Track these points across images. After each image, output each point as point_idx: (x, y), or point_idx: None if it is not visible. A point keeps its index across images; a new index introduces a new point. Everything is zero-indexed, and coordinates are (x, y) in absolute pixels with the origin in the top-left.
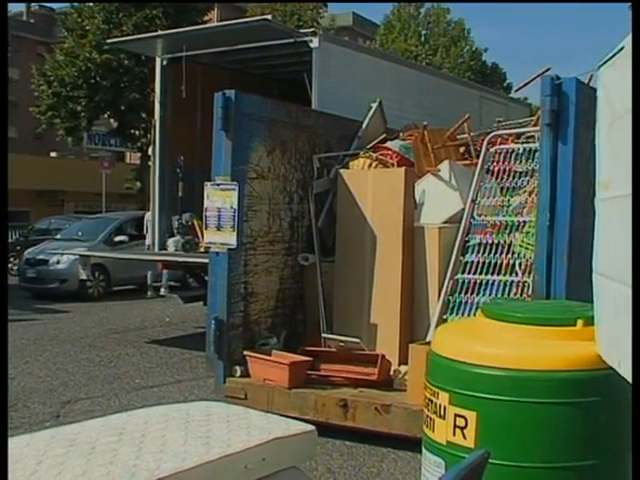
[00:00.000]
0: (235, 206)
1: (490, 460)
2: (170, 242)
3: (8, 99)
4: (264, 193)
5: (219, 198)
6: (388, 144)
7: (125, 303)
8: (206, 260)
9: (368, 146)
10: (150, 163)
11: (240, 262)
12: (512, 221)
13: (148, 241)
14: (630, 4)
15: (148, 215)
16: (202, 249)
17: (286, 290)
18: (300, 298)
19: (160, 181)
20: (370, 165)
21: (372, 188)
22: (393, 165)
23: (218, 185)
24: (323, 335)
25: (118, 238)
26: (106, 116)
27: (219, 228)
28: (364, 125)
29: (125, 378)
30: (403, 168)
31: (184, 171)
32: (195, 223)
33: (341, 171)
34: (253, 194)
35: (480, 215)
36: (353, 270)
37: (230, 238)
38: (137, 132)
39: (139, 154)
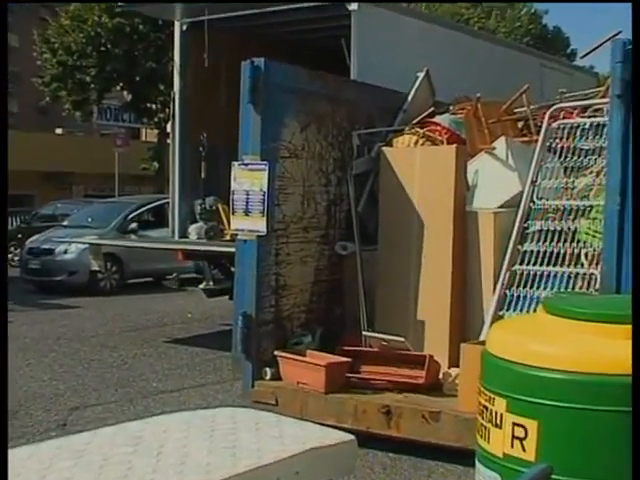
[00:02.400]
0: (265, 188)
1: (553, 475)
2: (192, 229)
3: (8, 74)
4: (298, 174)
5: (247, 180)
6: (437, 119)
7: (141, 297)
8: (232, 249)
9: (414, 121)
10: (169, 141)
11: (271, 251)
12: (577, 205)
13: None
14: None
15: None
16: (228, 237)
17: (322, 282)
18: (338, 291)
19: (180, 161)
20: (417, 142)
21: (419, 168)
22: (442, 142)
23: (246, 165)
24: (364, 333)
25: (133, 225)
26: (119, 88)
27: (247, 213)
28: (410, 97)
29: (141, 381)
30: (454, 145)
31: (207, 149)
32: (220, 208)
33: (384, 149)
34: (285, 175)
35: (541, 199)
36: (398, 260)
37: (259, 224)
38: (154, 106)
39: (156, 131)
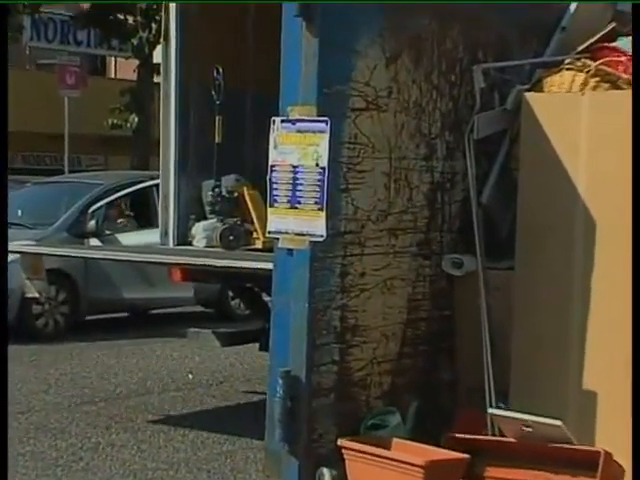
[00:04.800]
0: (325, 163)
1: None
2: (198, 230)
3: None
4: (380, 138)
5: (295, 148)
6: (618, 43)
7: (109, 345)
8: (268, 265)
9: (580, 47)
10: (158, 79)
11: (334, 269)
12: None
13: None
14: None
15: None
16: (259, 244)
17: (420, 323)
18: (446, 339)
19: (179, 114)
20: (584, 83)
21: (588, 127)
22: (629, 83)
23: (293, 123)
24: (489, 411)
25: (94, 223)
26: None
27: (295, 205)
28: (572, 7)
29: None
30: None
31: (225, 96)
32: (246, 194)
33: (528, 96)
34: (359, 140)
35: None
36: (550, 285)
37: (315, 224)
38: (130, 19)
39: (135, 61)
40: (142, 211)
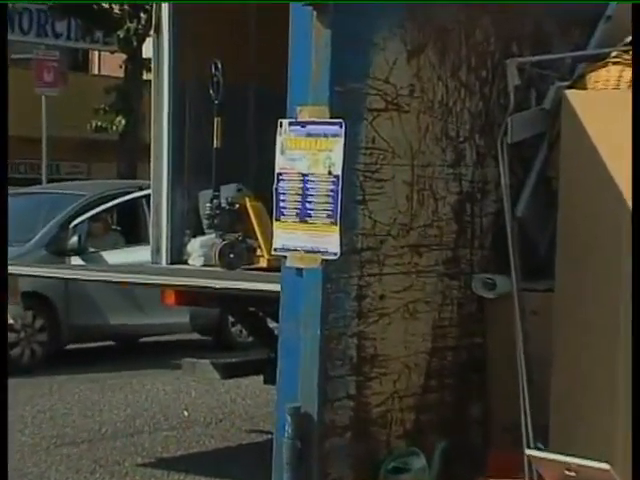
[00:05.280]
0: (339, 171)
1: None
2: (195, 247)
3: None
4: (401, 143)
5: (305, 154)
6: None
7: (93, 378)
8: (274, 286)
9: (628, 38)
10: (148, 76)
11: (349, 291)
12: None
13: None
14: None
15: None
16: (264, 262)
17: (448, 352)
18: (477, 369)
19: (172, 115)
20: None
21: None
22: None
23: (303, 127)
24: (527, 452)
25: (76, 239)
26: None
27: (304, 218)
28: None
29: None
30: None
31: (225, 94)
32: (248, 206)
33: (569, 93)
34: (378, 145)
35: None
36: (595, 309)
37: (328, 239)
38: (114, 8)
39: (122, 56)
40: (130, 225)
